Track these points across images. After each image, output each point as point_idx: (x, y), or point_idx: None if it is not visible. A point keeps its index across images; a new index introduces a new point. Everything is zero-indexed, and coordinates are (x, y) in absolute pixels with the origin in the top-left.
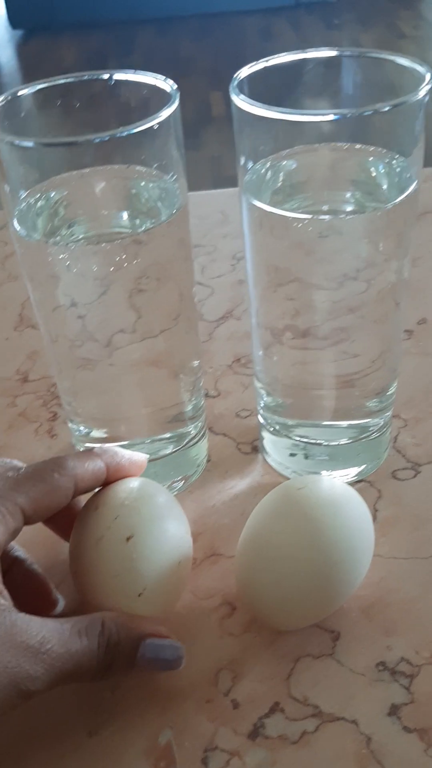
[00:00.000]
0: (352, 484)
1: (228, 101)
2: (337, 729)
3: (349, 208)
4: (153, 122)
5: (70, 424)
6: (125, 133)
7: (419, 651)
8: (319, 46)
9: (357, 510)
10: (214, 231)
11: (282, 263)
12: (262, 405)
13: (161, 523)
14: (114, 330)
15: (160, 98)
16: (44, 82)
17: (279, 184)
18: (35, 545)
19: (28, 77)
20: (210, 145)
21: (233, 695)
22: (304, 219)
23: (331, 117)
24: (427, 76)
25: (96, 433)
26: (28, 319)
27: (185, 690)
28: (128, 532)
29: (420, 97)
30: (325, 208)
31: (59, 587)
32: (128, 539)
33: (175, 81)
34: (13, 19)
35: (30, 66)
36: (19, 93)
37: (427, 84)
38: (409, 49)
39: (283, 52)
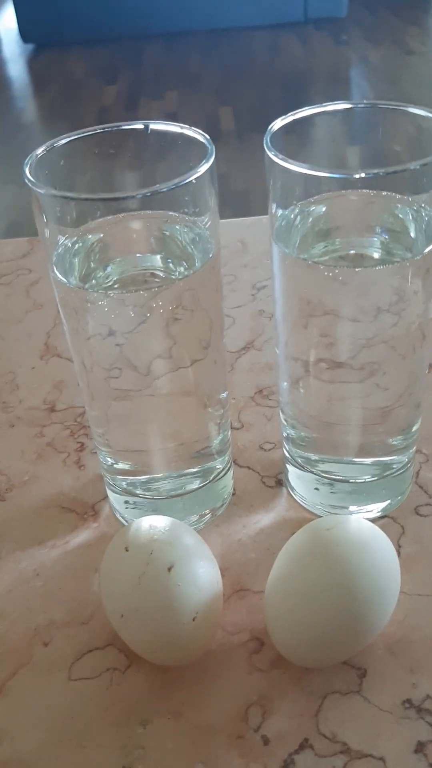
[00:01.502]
0: (375, 520)
1: (236, 116)
2: (365, 766)
3: (376, 254)
4: (191, 177)
5: (99, 456)
6: (163, 189)
7: None
8: (328, 63)
9: (384, 550)
10: (234, 261)
11: (314, 297)
12: (286, 438)
13: (195, 558)
14: (151, 357)
15: (195, 148)
16: (82, 132)
17: (307, 228)
18: (64, 577)
19: (38, 90)
20: (218, 161)
21: (263, 731)
22: (334, 269)
23: (362, 175)
24: None
25: (123, 465)
26: (54, 347)
27: (216, 725)
28: (168, 563)
29: None
30: (352, 252)
31: (89, 623)
32: (170, 569)
33: (184, 96)
34: (25, 33)
35: (40, 79)
36: (58, 143)
37: None
38: (417, 64)
39: (291, 68)
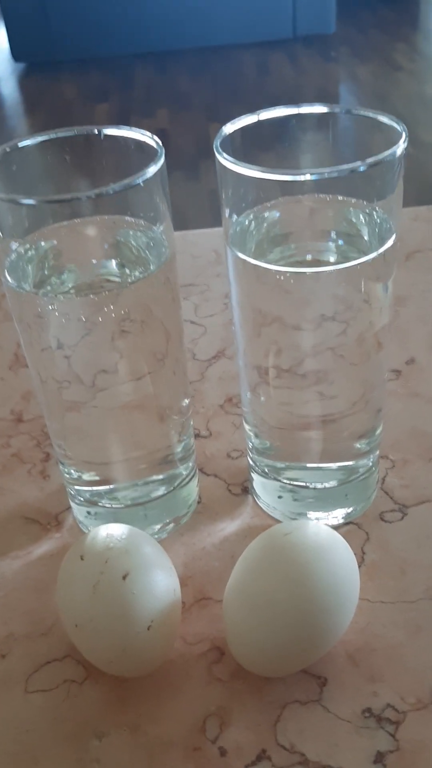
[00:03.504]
0: (340, 526)
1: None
2: None
3: (332, 258)
4: (139, 179)
5: (60, 467)
6: (111, 191)
7: (405, 698)
8: (316, 79)
9: (342, 555)
10: (208, 270)
11: (264, 306)
12: (250, 447)
13: (151, 567)
14: (96, 370)
15: (148, 152)
16: (36, 137)
17: (262, 234)
18: (25, 588)
19: (29, 109)
20: (209, 177)
21: (221, 742)
22: (287, 272)
23: (309, 177)
24: (403, 135)
25: (86, 476)
26: (23, 358)
27: (173, 737)
28: (123, 571)
29: (397, 155)
30: (308, 257)
31: (48, 634)
32: (124, 577)
33: (174, 114)
34: (16, 53)
35: (32, 98)
36: (11, 147)
37: (403, 142)
38: (405, 81)
39: (281, 84)
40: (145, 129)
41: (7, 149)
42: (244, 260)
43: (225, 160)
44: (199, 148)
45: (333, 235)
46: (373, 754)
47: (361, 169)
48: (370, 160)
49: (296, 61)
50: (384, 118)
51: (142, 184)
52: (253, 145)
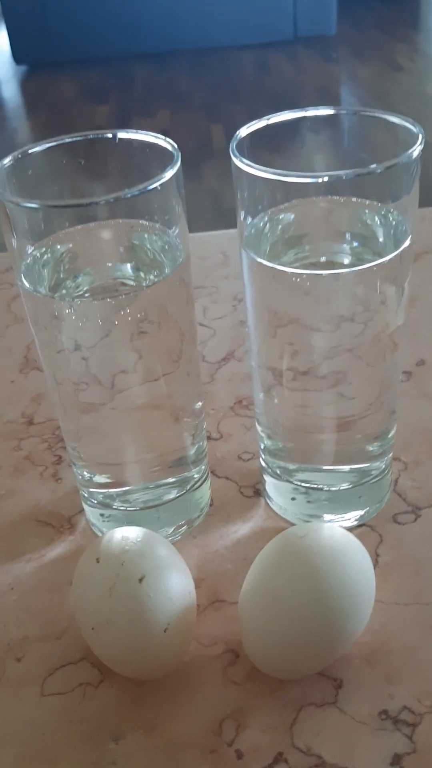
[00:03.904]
0: (353, 528)
1: (227, 134)
2: None
3: (346, 260)
4: (156, 183)
5: (74, 469)
6: (129, 195)
7: (421, 699)
8: (317, 80)
9: (357, 558)
10: (216, 272)
11: (280, 307)
12: (263, 449)
13: (167, 569)
14: (116, 371)
15: (162, 155)
16: (50, 142)
17: (277, 236)
18: (39, 591)
19: (31, 111)
20: (210, 178)
21: (237, 745)
22: (302, 274)
23: (325, 179)
24: (419, 137)
25: (99, 478)
26: (34, 361)
27: (189, 740)
28: (139, 573)
29: (413, 157)
30: (323, 259)
31: (63, 637)
32: (141, 580)
33: (175, 115)
34: (17, 55)
35: (33, 100)
36: (27, 152)
37: (419, 144)
38: (406, 81)
39: (282, 85)
40: (145, 130)
41: (21, 155)
42: (260, 263)
43: (241, 163)
44: (200, 148)
45: (348, 236)
46: (390, 756)
47: (378, 171)
48: (386, 162)
49: (297, 62)
50: (400, 121)
51: (159, 188)
52: (264, 147)
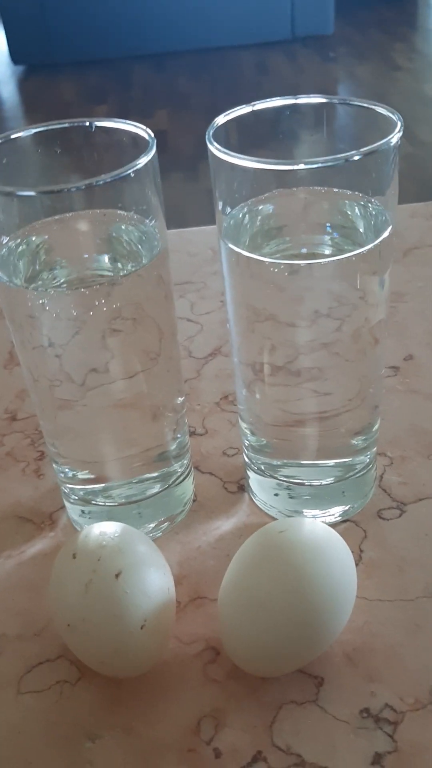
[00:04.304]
0: (337, 524)
1: None
2: None
3: (327, 251)
4: (130, 170)
5: (54, 466)
6: (101, 182)
7: (403, 698)
8: (315, 80)
9: (338, 553)
10: (204, 268)
11: (257, 302)
12: (246, 445)
13: (145, 565)
14: (87, 369)
15: (140, 145)
16: (25, 130)
17: (257, 228)
18: (18, 588)
19: (29, 111)
20: (208, 178)
21: (215, 744)
22: (280, 264)
23: (301, 166)
24: (398, 125)
25: (80, 474)
26: (17, 357)
27: (167, 739)
28: (116, 569)
29: (391, 144)
30: (303, 251)
31: (41, 634)
32: (117, 576)
33: (173, 115)
34: (15, 55)
35: (31, 100)
36: (2, 140)
37: (397, 132)
38: (404, 80)
39: (280, 85)
40: (128, 122)
41: None
42: (238, 253)
43: (218, 150)
44: (198, 149)
45: (328, 228)
46: (371, 756)
47: (356, 158)
48: (364, 149)
49: (295, 62)
50: (380, 109)
51: (132, 174)
52: (247, 138)
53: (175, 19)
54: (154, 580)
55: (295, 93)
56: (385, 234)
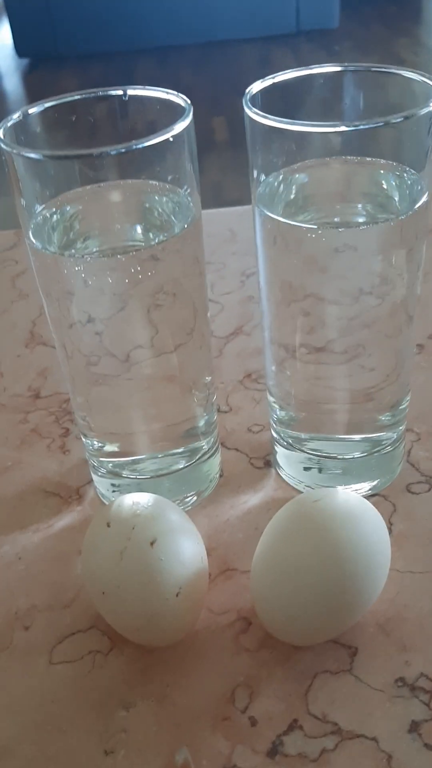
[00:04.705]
0: (366, 498)
1: (230, 127)
2: (356, 746)
3: (361, 220)
4: (167, 135)
5: (84, 440)
6: (139, 146)
7: None
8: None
9: (373, 523)
10: (223, 248)
11: (296, 279)
12: (275, 419)
13: (178, 533)
14: (132, 346)
15: (175, 113)
16: (58, 99)
17: (291, 196)
18: (47, 560)
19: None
20: (212, 171)
21: (250, 712)
22: (317, 230)
23: (342, 129)
24: None
25: (109, 447)
26: (39, 336)
27: (201, 708)
28: (150, 537)
29: (431, 109)
30: (336, 220)
31: (72, 605)
32: (152, 544)
33: None
34: (19, 48)
35: (35, 93)
36: (34, 110)
37: None
38: None
39: None
40: (163, 89)
41: (28, 112)
42: (273, 220)
43: (256, 114)
44: (202, 142)
45: (362, 197)
46: (407, 724)
47: (397, 120)
48: (404, 113)
49: (299, 56)
50: (413, 75)
51: (171, 139)
52: (280, 107)
53: (179, 13)
54: (188, 548)
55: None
56: (422, 202)
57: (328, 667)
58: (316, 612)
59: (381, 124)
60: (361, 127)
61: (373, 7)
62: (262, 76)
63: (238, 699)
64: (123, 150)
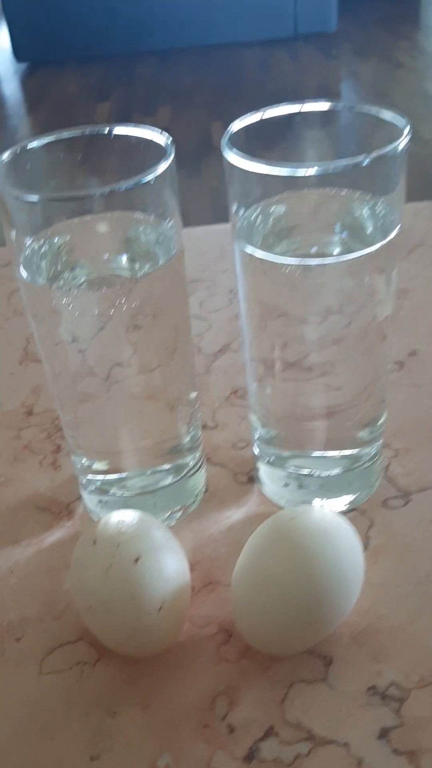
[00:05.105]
0: (344, 513)
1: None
2: (329, 752)
3: (336, 251)
4: (150, 176)
5: (72, 457)
6: (123, 188)
7: (408, 675)
8: (318, 77)
9: (346, 539)
10: (213, 266)
11: (270, 300)
12: (257, 437)
13: (162, 550)
14: (111, 364)
15: (157, 149)
16: (48, 136)
17: (269, 228)
18: (38, 574)
19: (32, 108)
20: (210, 175)
21: (229, 720)
22: (292, 264)
23: (314, 171)
24: (406, 130)
25: (97, 465)
26: (33, 353)
27: (183, 715)
28: (135, 555)
29: (399, 150)
30: (313, 249)
31: (61, 618)
32: (136, 560)
33: (176, 112)
34: (18, 52)
35: (34, 98)
36: (25, 147)
37: (405, 137)
38: (407, 78)
39: (283, 82)
40: (146, 126)
41: (19, 150)
42: (251, 254)
43: (233, 156)
44: (201, 145)
45: (337, 228)
46: (377, 730)
47: (365, 163)
48: (373, 154)
49: (298, 59)
50: (387, 114)
51: (153, 180)
52: (258, 141)
53: (178, 16)
54: (171, 565)
55: (297, 90)
56: (393, 234)
57: (304, 676)
58: (293, 624)
59: (350, 165)
60: (332, 169)
61: (371, 10)
62: (260, 79)
63: (218, 707)
64: (108, 192)
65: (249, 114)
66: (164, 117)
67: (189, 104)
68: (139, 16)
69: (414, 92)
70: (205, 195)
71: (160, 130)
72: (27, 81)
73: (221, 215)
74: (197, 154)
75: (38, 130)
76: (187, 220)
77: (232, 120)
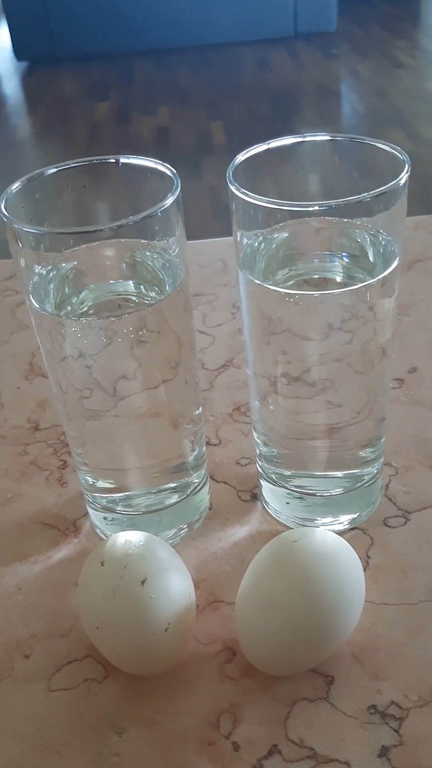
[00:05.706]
0: (345, 531)
1: (227, 131)
2: None
3: (338, 278)
4: (158, 210)
5: (78, 474)
6: (132, 222)
7: (407, 695)
8: (317, 76)
9: (348, 561)
10: (215, 280)
11: (273, 321)
12: (259, 455)
13: (168, 571)
14: (117, 377)
15: (163, 180)
16: (57, 167)
17: (272, 254)
18: (45, 591)
19: (32, 107)
20: (209, 174)
21: (234, 738)
22: (295, 295)
23: (316, 208)
24: (406, 166)
25: (103, 484)
26: (39, 368)
27: (188, 733)
28: (141, 576)
29: (401, 185)
30: (316, 276)
31: (69, 635)
32: (143, 582)
33: (175, 111)
34: (18, 51)
35: (33, 96)
36: (35, 177)
37: (405, 173)
38: (406, 77)
39: (282, 82)
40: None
41: (29, 180)
42: (256, 284)
43: (237, 191)
44: (200, 145)
45: (339, 254)
46: (377, 749)
47: (366, 200)
48: (374, 191)
49: (297, 59)
50: (387, 148)
51: (159, 214)
52: (262, 170)
53: (177, 15)
54: (177, 586)
55: (297, 90)
56: (393, 265)
57: (306, 695)
58: (295, 644)
59: (353, 202)
60: (334, 205)
61: (371, 9)
62: (260, 79)
63: (222, 725)
64: (117, 226)
65: (254, 146)
66: (163, 116)
67: (188, 103)
68: (139, 15)
69: (413, 92)
70: (204, 195)
71: (166, 164)
72: (27, 80)
73: (220, 215)
74: (196, 154)
75: (38, 129)
76: (187, 221)
77: (232, 119)
